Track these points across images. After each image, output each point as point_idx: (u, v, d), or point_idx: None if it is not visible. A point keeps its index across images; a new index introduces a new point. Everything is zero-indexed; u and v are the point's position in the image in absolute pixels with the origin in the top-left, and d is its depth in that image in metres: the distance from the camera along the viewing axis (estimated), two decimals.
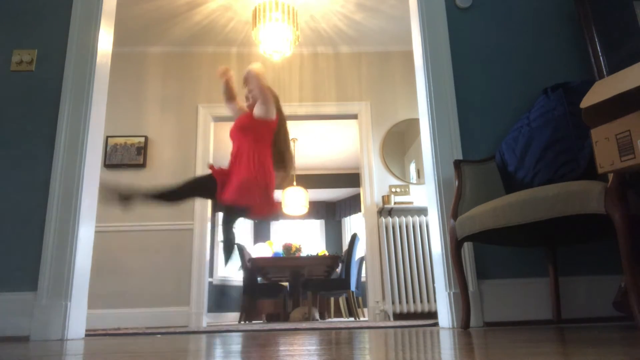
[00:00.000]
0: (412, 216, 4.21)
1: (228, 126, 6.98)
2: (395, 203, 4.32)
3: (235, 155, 3.04)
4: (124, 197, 2.78)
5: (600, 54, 2.19)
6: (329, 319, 6.68)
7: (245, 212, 3.05)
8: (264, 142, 3.06)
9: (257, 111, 3.01)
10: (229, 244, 3.04)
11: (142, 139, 4.37)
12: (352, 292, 5.07)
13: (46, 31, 2.38)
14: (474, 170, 2.12)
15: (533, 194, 1.64)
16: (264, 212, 3.03)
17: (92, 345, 1.44)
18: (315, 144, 7.20)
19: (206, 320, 4.07)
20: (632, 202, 1.52)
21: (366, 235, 4.35)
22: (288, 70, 4.76)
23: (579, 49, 2.38)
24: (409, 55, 4.80)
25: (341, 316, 7.23)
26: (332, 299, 7.17)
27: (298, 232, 8.99)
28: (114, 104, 4.48)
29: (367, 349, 0.99)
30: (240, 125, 3.09)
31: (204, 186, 3.03)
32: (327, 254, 5.97)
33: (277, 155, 3.14)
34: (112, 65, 4.55)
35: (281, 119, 3.17)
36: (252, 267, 4.99)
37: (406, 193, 4.44)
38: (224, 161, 3.29)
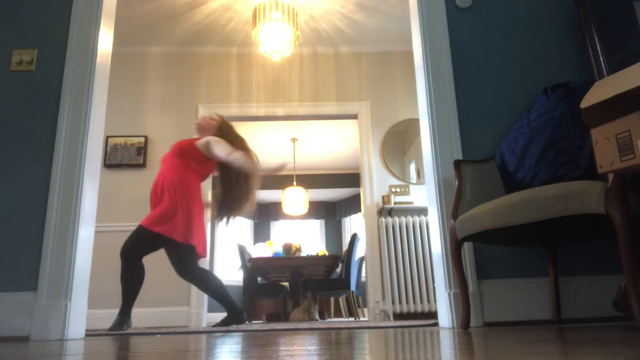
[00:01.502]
0: (412, 216, 4.21)
1: None
2: (395, 203, 4.32)
3: (160, 185, 3.00)
4: (125, 329, 2.79)
5: (600, 54, 2.19)
6: (329, 319, 6.68)
7: (161, 241, 2.88)
8: (193, 169, 3.07)
9: (212, 146, 3.06)
10: (136, 283, 2.86)
11: (142, 139, 4.38)
12: (352, 292, 5.07)
13: (46, 31, 2.38)
14: (474, 170, 2.12)
15: (533, 194, 1.64)
16: (180, 239, 2.89)
17: (92, 345, 1.44)
18: (315, 144, 7.21)
19: (206, 320, 4.07)
20: (632, 202, 1.52)
21: (366, 235, 4.35)
22: (288, 70, 4.76)
23: (579, 49, 2.38)
24: (409, 55, 4.81)
25: (341, 316, 7.23)
26: (332, 299, 7.17)
27: (298, 232, 8.99)
28: (114, 104, 4.48)
29: (367, 349, 0.99)
30: (179, 151, 3.07)
31: (150, 242, 2.88)
32: (327, 254, 5.96)
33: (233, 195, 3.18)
34: (112, 65, 4.56)
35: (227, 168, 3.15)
36: (252, 267, 4.99)
37: (406, 193, 4.44)
38: None
